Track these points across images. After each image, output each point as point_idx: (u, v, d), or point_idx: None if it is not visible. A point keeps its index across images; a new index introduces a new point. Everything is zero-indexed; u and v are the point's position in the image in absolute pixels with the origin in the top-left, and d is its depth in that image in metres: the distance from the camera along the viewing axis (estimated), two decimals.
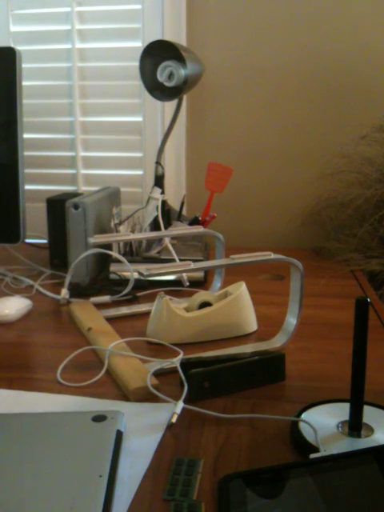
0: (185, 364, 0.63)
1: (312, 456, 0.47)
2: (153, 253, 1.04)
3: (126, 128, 1.35)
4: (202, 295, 0.80)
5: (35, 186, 1.41)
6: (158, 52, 1.03)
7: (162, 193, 1.11)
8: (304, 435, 0.51)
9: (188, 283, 0.94)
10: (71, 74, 1.34)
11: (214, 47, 1.29)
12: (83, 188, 1.39)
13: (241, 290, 0.79)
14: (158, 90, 1.08)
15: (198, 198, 1.36)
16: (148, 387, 0.60)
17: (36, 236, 1.33)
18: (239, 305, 0.78)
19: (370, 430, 0.52)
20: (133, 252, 1.05)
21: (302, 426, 0.53)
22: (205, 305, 0.79)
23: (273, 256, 0.67)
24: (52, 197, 1.13)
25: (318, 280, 1.06)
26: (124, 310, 0.88)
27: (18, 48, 0.98)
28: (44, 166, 1.40)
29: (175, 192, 1.36)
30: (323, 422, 0.53)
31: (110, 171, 1.38)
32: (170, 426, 0.55)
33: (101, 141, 1.37)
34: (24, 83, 1.34)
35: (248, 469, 0.48)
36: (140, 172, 1.37)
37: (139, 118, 1.34)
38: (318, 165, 1.31)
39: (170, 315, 0.75)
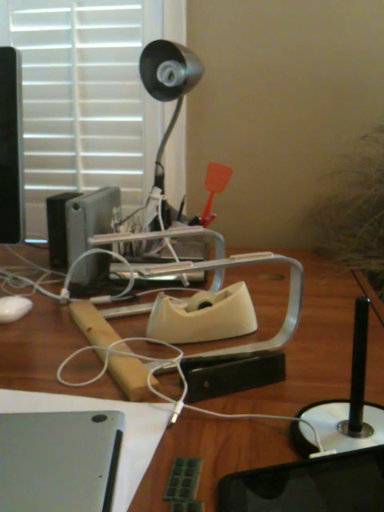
0: (185, 364, 0.63)
1: (312, 456, 0.47)
2: (153, 253, 1.04)
3: (126, 128, 1.35)
4: (201, 295, 0.80)
5: (35, 186, 1.41)
6: (158, 52, 1.03)
7: (162, 193, 1.11)
8: (304, 435, 0.51)
9: (188, 283, 0.94)
10: (71, 74, 1.34)
11: (214, 47, 1.29)
12: (83, 188, 1.39)
13: (241, 290, 0.79)
14: (157, 90, 1.08)
15: (198, 198, 1.36)
16: (148, 387, 0.60)
17: (36, 236, 1.33)
18: (239, 305, 0.78)
19: (370, 430, 0.52)
20: (133, 252, 1.05)
21: (301, 425, 0.53)
22: (205, 305, 0.79)
23: (273, 256, 0.67)
24: (52, 197, 1.13)
25: (318, 280, 1.06)
26: (124, 310, 0.88)
27: (18, 48, 0.98)
28: (44, 166, 1.40)
29: (175, 192, 1.36)
30: (323, 422, 0.53)
31: (109, 171, 1.38)
32: (170, 426, 0.55)
33: (101, 141, 1.37)
34: (24, 83, 1.35)
35: (248, 469, 0.48)
36: (140, 172, 1.37)
37: (139, 118, 1.34)
38: (318, 165, 1.31)
39: (170, 315, 0.75)
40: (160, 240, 1.05)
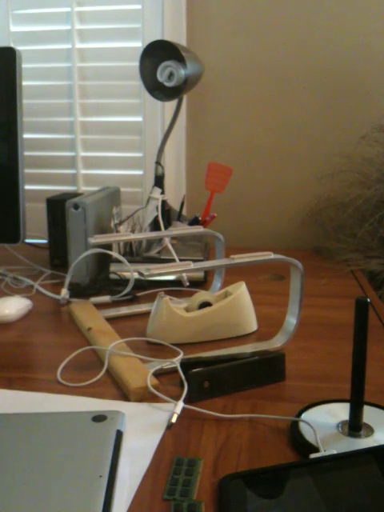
0: (185, 364, 0.63)
1: (312, 456, 0.47)
2: (153, 253, 1.04)
3: (126, 128, 1.35)
4: (202, 295, 0.80)
5: (35, 186, 1.41)
6: (158, 52, 1.03)
7: (162, 193, 1.11)
8: (304, 435, 0.51)
9: (188, 283, 0.94)
10: (71, 74, 1.34)
11: (214, 47, 1.29)
12: (83, 188, 1.39)
13: (241, 290, 0.79)
14: (157, 90, 1.08)
15: (197, 198, 1.36)
16: (148, 387, 0.60)
17: (36, 236, 1.33)
18: (239, 305, 0.78)
19: (370, 429, 0.52)
20: (133, 252, 1.05)
21: (301, 425, 0.53)
22: (205, 305, 0.79)
23: (273, 256, 0.67)
24: (52, 197, 1.13)
25: (317, 280, 1.06)
26: (124, 310, 0.88)
27: (18, 48, 0.98)
28: (44, 166, 1.40)
29: (175, 192, 1.36)
30: (323, 422, 0.53)
31: (110, 171, 1.38)
32: (170, 426, 0.55)
33: (101, 141, 1.37)
34: (24, 83, 1.34)
35: (248, 469, 0.48)
36: (140, 172, 1.37)
37: (139, 118, 1.34)
38: (318, 165, 1.31)
39: (170, 315, 0.75)
40: (160, 240, 1.05)
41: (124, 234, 0.82)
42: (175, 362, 0.65)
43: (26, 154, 1.36)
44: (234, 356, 0.65)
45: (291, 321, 0.72)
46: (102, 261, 1.07)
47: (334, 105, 1.28)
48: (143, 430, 0.54)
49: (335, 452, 0.47)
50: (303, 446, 0.50)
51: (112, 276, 1.00)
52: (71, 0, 1.30)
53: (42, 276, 1.07)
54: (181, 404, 0.57)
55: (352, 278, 1.07)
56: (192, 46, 1.29)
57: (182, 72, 1.02)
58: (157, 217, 1.05)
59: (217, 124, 1.34)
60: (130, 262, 0.90)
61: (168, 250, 1.00)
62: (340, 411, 0.55)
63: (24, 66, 1.33)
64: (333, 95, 1.28)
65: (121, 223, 1.07)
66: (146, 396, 0.60)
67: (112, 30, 1.31)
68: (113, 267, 1.00)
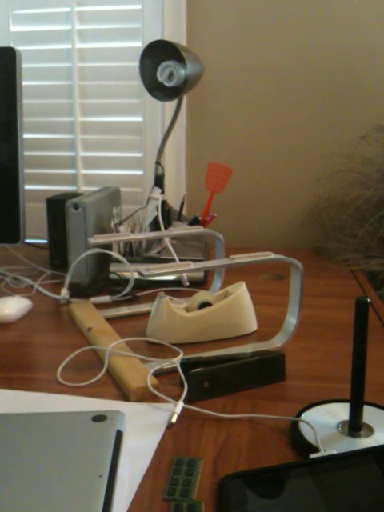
0: (185, 364, 0.63)
1: (312, 456, 0.47)
2: (153, 253, 1.04)
3: (126, 128, 1.35)
4: (202, 295, 0.80)
5: (35, 186, 1.41)
6: (158, 52, 1.03)
7: (162, 193, 1.10)
8: (304, 435, 0.51)
9: (188, 283, 0.94)
10: (71, 74, 1.34)
11: (214, 47, 1.29)
12: (83, 188, 1.39)
13: (241, 290, 0.79)
14: (158, 90, 1.08)
15: (198, 198, 1.36)
16: (148, 387, 0.60)
17: (36, 236, 1.33)
18: (239, 305, 0.78)
19: (370, 430, 0.52)
20: (133, 252, 1.05)
21: (301, 426, 0.53)
22: (205, 305, 0.79)
23: (273, 256, 0.67)
24: (52, 197, 1.13)
25: (317, 280, 1.06)
26: (124, 310, 0.88)
27: (18, 48, 0.98)
28: (44, 166, 1.40)
29: (175, 192, 1.36)
30: (323, 422, 0.53)
31: (110, 171, 1.38)
32: (170, 426, 0.55)
33: (101, 141, 1.37)
34: (24, 83, 1.34)
35: (248, 469, 0.48)
36: (140, 172, 1.37)
37: (139, 118, 1.34)
38: (318, 165, 1.31)
39: (170, 315, 0.75)
40: (160, 240, 1.05)
41: (124, 234, 0.82)
42: (175, 361, 0.65)
43: (26, 154, 1.36)
44: (234, 356, 0.65)
45: (291, 321, 0.72)
46: (102, 261, 1.07)
47: (334, 105, 1.28)
48: (143, 429, 0.54)
49: (335, 452, 0.47)
50: (303, 446, 0.50)
51: (112, 276, 1.00)
52: (71, 0, 1.30)
53: (42, 276, 1.07)
54: (181, 404, 0.57)
55: (352, 278, 1.07)
56: (192, 46, 1.29)
57: (182, 72, 1.02)
58: (157, 217, 1.05)
59: (217, 124, 1.34)
60: (130, 261, 0.90)
61: (168, 250, 1.00)
62: (340, 411, 0.55)
63: (24, 65, 1.33)
64: (333, 95, 1.28)
65: (121, 223, 1.07)
66: (146, 396, 0.60)
67: (112, 30, 1.31)
68: (113, 267, 1.00)
